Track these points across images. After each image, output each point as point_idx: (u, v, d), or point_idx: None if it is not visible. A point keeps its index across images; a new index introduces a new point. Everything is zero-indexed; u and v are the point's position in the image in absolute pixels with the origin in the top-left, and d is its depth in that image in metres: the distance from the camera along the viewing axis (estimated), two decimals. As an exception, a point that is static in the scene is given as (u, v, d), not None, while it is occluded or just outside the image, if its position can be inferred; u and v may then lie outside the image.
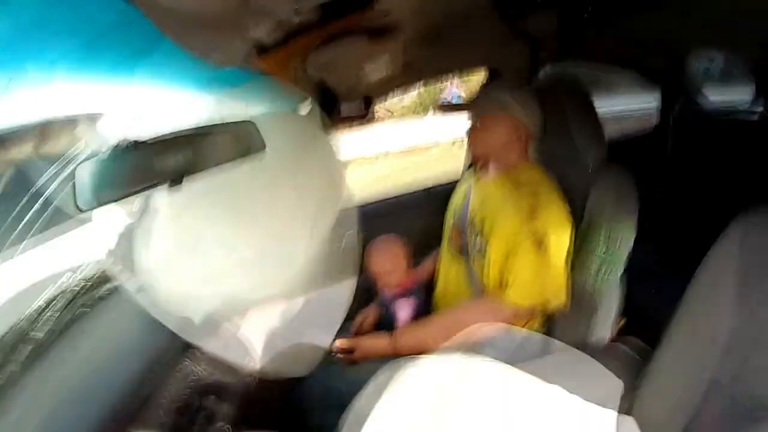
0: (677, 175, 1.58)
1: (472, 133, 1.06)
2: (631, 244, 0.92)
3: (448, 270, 1.13)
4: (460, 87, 5.61)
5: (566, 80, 1.11)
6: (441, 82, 1.48)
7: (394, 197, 1.53)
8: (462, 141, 1.11)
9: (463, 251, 1.08)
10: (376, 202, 1.49)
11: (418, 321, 1.02)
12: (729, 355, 0.57)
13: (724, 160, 1.35)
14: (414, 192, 1.55)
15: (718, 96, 1.62)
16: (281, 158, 0.82)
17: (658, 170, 1.59)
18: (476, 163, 1.13)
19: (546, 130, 1.02)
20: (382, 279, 1.10)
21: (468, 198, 1.12)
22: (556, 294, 0.92)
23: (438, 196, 1.30)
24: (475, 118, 1.06)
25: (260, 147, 0.77)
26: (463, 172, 1.55)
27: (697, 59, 1.57)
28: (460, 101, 1.34)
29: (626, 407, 0.74)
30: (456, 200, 1.19)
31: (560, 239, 0.91)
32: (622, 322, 1.06)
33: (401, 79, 1.04)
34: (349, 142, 1.17)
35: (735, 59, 1.64)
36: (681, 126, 1.56)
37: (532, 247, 0.89)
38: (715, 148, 1.44)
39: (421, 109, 6.96)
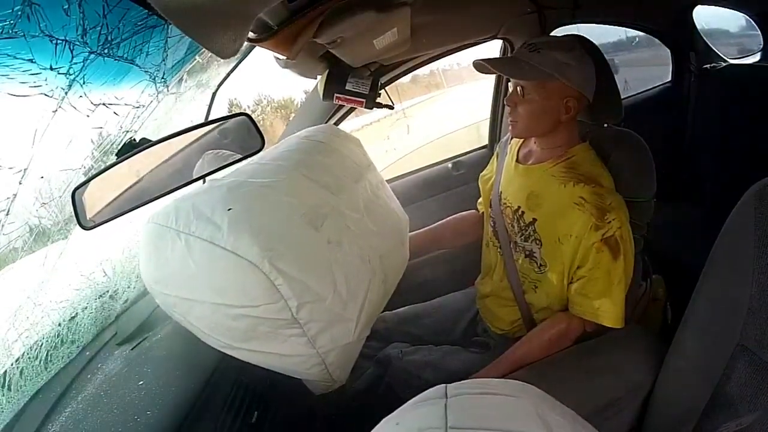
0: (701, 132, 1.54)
1: (511, 104, 0.87)
2: (651, 215, 0.91)
3: (486, 256, 1.04)
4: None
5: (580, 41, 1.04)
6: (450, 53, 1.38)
7: None
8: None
9: (498, 241, 0.97)
10: None
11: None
12: (752, 319, 0.58)
13: (748, 114, 1.31)
14: None
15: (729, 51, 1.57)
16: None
17: (680, 129, 1.56)
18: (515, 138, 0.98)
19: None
20: None
21: (498, 181, 0.98)
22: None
23: None
24: (516, 85, 0.86)
25: (257, 142, 0.74)
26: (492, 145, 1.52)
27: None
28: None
29: (653, 380, 0.76)
30: (484, 182, 1.06)
31: (630, 240, 0.81)
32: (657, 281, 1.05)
33: (410, 46, 0.96)
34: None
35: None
36: (700, 80, 1.51)
37: (609, 258, 0.78)
38: (737, 102, 1.40)
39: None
